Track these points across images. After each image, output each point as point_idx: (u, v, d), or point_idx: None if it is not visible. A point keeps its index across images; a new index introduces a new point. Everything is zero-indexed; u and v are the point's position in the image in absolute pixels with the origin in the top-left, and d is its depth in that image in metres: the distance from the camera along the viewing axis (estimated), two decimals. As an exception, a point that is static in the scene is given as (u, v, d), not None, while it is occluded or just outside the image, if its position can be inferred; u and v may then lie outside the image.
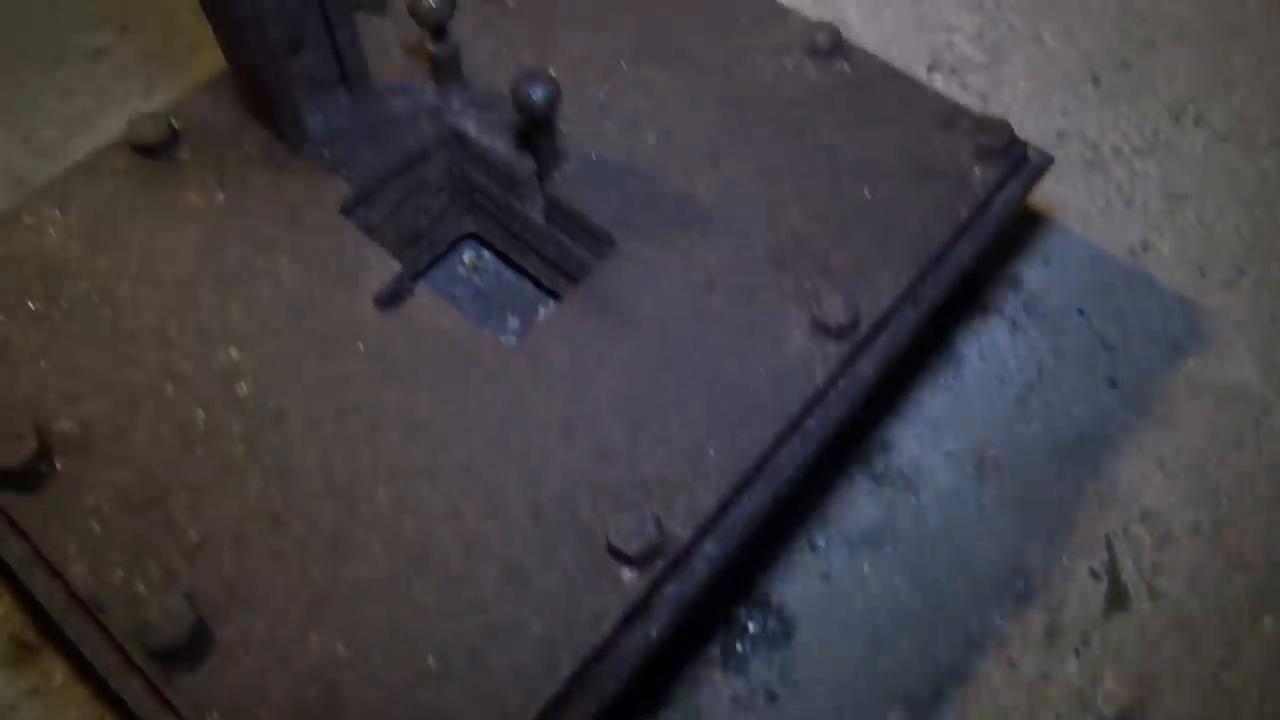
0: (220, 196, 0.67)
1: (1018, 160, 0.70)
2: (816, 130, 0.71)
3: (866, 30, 0.95)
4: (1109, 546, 0.71)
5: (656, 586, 0.55)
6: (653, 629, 0.54)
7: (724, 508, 0.57)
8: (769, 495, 0.59)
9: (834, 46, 0.73)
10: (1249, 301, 0.80)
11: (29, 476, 0.57)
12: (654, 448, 0.58)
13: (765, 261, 0.65)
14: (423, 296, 0.64)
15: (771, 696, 0.65)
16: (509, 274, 0.81)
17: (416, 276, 0.78)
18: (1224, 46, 0.93)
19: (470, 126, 0.70)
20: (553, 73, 0.73)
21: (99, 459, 0.58)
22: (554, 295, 0.78)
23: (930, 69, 0.92)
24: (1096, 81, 0.92)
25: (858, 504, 0.72)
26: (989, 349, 0.79)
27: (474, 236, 0.81)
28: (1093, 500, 0.73)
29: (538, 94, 0.62)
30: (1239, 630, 0.67)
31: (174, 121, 0.70)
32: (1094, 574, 0.70)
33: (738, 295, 0.64)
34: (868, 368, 0.63)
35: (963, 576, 0.70)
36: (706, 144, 0.70)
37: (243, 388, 0.60)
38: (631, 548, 0.54)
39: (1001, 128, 0.69)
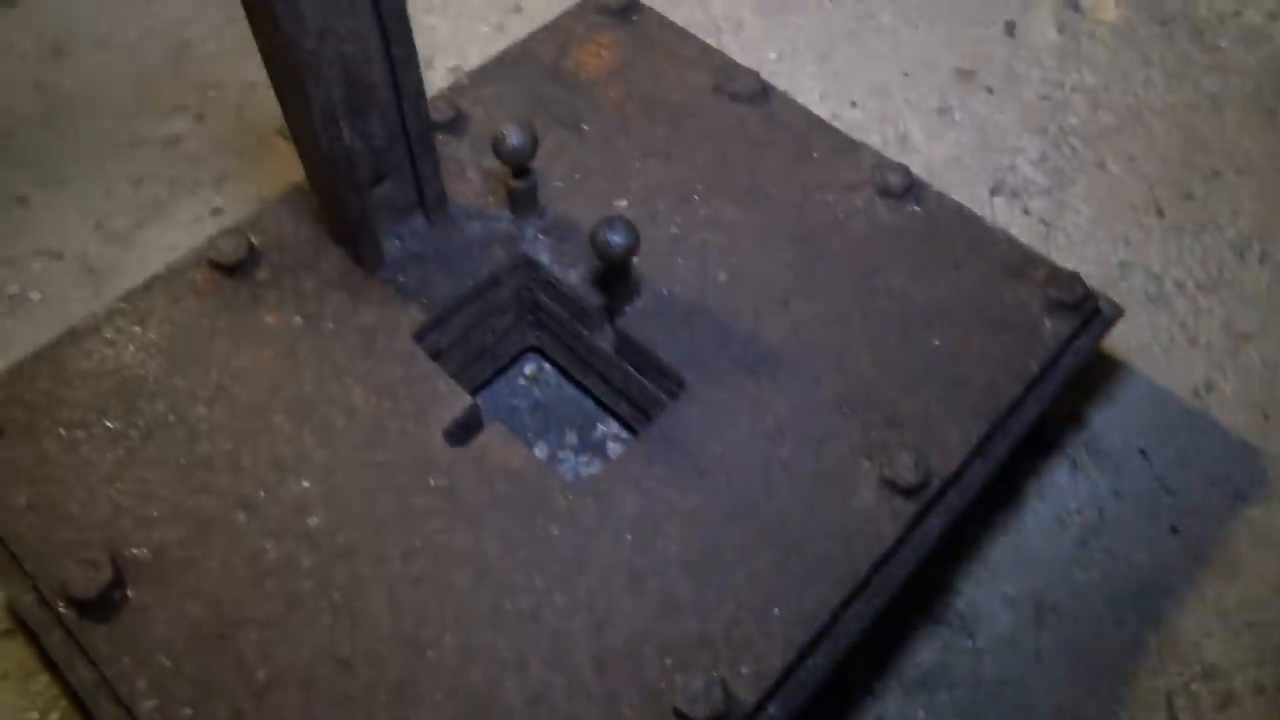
0: (297, 319, 0.68)
1: (1089, 315, 0.70)
2: (887, 274, 0.71)
3: (930, 149, 0.95)
4: (1169, 704, 0.70)
5: (722, 752, 0.55)
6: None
7: (789, 670, 0.57)
8: (835, 657, 0.59)
9: (906, 187, 0.74)
10: (1311, 448, 0.80)
11: (103, 605, 0.57)
12: (720, 603, 0.58)
13: (833, 409, 0.65)
14: (493, 433, 0.64)
15: None
16: (568, 388, 0.82)
17: (479, 389, 0.79)
18: (1288, 180, 0.93)
19: (544, 255, 0.71)
20: (625, 203, 0.75)
21: (171, 588, 0.58)
22: (613, 414, 0.79)
23: (993, 191, 0.93)
24: (1160, 213, 0.92)
25: (914, 646, 0.72)
26: (1049, 488, 0.78)
27: (535, 349, 0.82)
28: (1153, 653, 0.72)
29: (617, 241, 0.63)
30: (1302, 801, 0.66)
31: (253, 239, 0.71)
32: (1154, 732, 0.69)
33: (806, 445, 0.64)
34: (936, 524, 0.63)
35: (1023, 726, 0.69)
36: (777, 283, 0.70)
37: (314, 520, 0.61)
38: (698, 713, 0.54)
39: (1074, 282, 0.69)
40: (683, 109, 0.80)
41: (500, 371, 0.82)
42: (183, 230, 0.91)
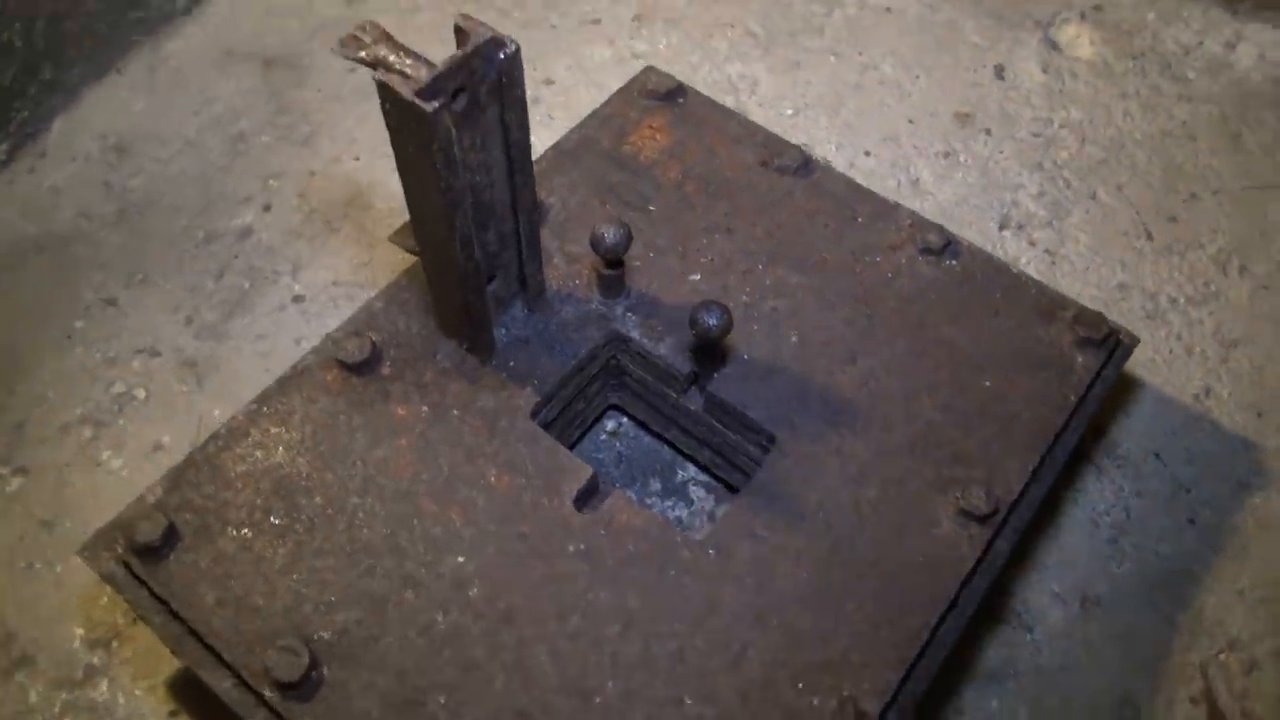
0: (424, 409, 0.76)
1: (1113, 347, 0.80)
2: (935, 325, 0.81)
3: (940, 190, 1.06)
4: (1204, 675, 0.81)
5: (856, 762, 0.64)
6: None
7: (902, 683, 0.67)
8: (935, 667, 0.69)
9: (944, 245, 0.84)
10: (1301, 440, 0.92)
11: (304, 686, 0.65)
12: (836, 631, 0.68)
13: (907, 452, 0.75)
14: (617, 498, 0.73)
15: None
16: (646, 439, 0.91)
17: (571, 446, 0.87)
18: (1258, 199, 1.05)
19: (634, 331, 0.80)
20: (698, 276, 0.84)
21: (359, 665, 0.67)
22: (693, 461, 0.88)
23: (1001, 226, 1.03)
24: (1149, 236, 1.03)
25: (981, 645, 0.82)
26: (1080, 495, 0.89)
27: (615, 407, 0.91)
28: (1185, 631, 0.83)
29: (713, 324, 0.72)
30: (1321, 748, 0.78)
31: (373, 337, 0.79)
32: (1193, 701, 0.80)
33: (889, 485, 0.74)
34: (1004, 545, 0.73)
35: (1078, 708, 0.80)
36: (842, 341, 0.80)
37: (474, 591, 0.69)
38: (836, 730, 0.64)
39: (1098, 320, 0.80)
40: (736, 185, 0.89)
41: (585, 431, 0.90)
42: (269, 319, 0.98)
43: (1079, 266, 1.01)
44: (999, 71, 1.14)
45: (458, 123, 0.62)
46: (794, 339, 0.80)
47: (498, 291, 0.77)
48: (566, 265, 0.84)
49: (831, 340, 0.80)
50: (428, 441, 0.75)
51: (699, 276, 0.84)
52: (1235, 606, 0.84)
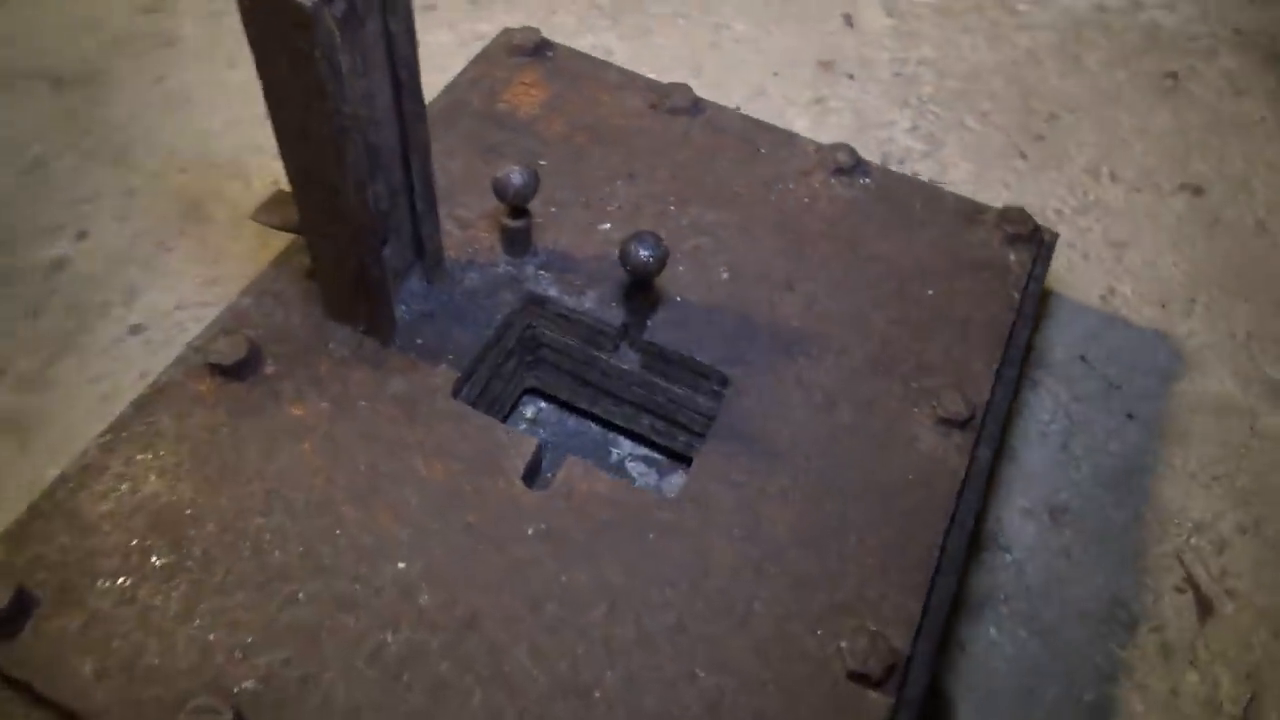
0: (324, 406, 0.65)
1: (1040, 242, 0.78)
2: (865, 243, 0.77)
3: (818, 135, 1.03)
4: (1180, 562, 0.79)
5: (898, 701, 0.57)
6: (902, 744, 0.57)
7: (924, 611, 0.60)
8: (950, 588, 0.63)
9: (855, 164, 0.80)
10: (1206, 325, 0.93)
11: (234, 750, 0.52)
12: (843, 569, 0.61)
13: (869, 371, 0.70)
14: (572, 466, 0.64)
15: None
16: (571, 421, 0.81)
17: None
18: (1110, 112, 1.08)
19: (551, 290, 0.71)
20: (609, 226, 0.76)
21: (299, 712, 0.54)
22: (629, 433, 0.79)
23: (883, 162, 1.02)
24: (1024, 156, 1.04)
25: (964, 575, 0.77)
26: (1022, 408, 0.87)
27: (531, 391, 0.81)
28: (1152, 524, 0.81)
29: (648, 253, 0.64)
30: (1305, 611, 0.77)
31: (249, 334, 0.66)
32: (1178, 589, 0.78)
33: (860, 408, 0.68)
34: (986, 452, 0.68)
35: (1074, 618, 0.76)
36: (775, 270, 0.74)
37: (424, 599, 0.58)
38: (873, 669, 0.56)
39: (1023, 215, 0.78)
40: (628, 130, 0.82)
41: (504, 419, 0.80)
42: (104, 357, 0.82)
43: (965, 192, 0.99)
44: (848, 20, 1.14)
45: (339, 31, 0.52)
46: (725, 274, 0.74)
47: (392, 261, 0.67)
48: (461, 231, 0.74)
49: (764, 271, 0.74)
50: (335, 441, 0.63)
51: (609, 225, 0.76)
52: (1191, 490, 0.83)
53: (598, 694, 0.56)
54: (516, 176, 0.66)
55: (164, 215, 0.90)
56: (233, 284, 0.86)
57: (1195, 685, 0.73)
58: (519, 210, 0.69)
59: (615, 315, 0.71)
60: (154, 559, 0.58)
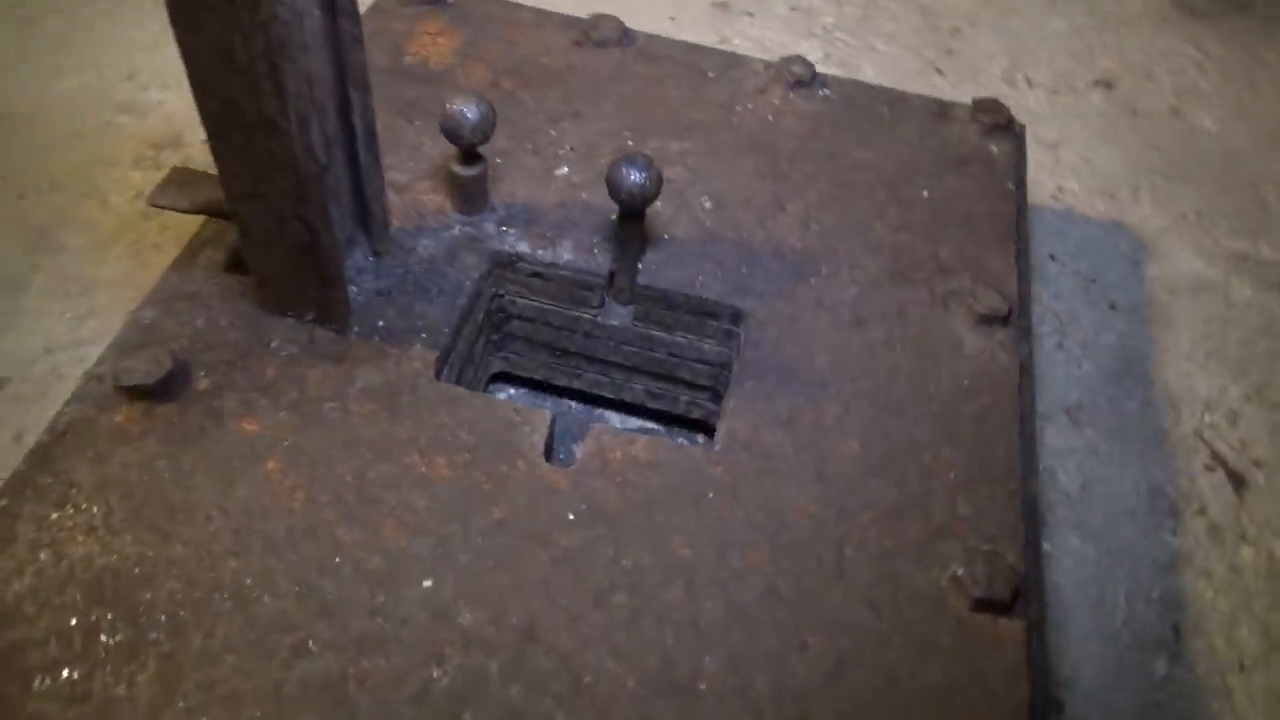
0: (281, 415, 0.52)
1: (1016, 130, 0.74)
2: (845, 152, 0.70)
3: (734, 75, 0.97)
4: (1202, 440, 0.76)
5: (1030, 624, 0.50)
6: (1040, 678, 0.49)
7: (1024, 517, 0.54)
8: (1035, 492, 0.56)
9: (812, 75, 0.74)
10: (1156, 209, 0.92)
11: None
12: (928, 490, 0.53)
13: (889, 280, 0.63)
14: (598, 433, 0.54)
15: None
16: (547, 404, 0.71)
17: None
18: (1008, 23, 1.07)
19: (521, 246, 0.61)
20: (566, 169, 0.67)
21: (342, 787, 0.42)
22: (619, 405, 0.70)
23: (807, 94, 0.96)
24: (940, 71, 1.00)
25: (1001, 492, 0.72)
26: (1009, 314, 0.82)
27: (499, 377, 0.70)
28: (1165, 407, 0.78)
29: (640, 177, 0.55)
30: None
31: (169, 347, 0.53)
32: (1208, 468, 0.75)
33: (891, 320, 0.61)
34: (1026, 348, 0.63)
35: (1120, 516, 0.72)
36: (760, 192, 0.67)
37: (465, 618, 0.47)
38: (999, 592, 0.49)
39: (996, 105, 0.73)
40: (558, 69, 0.73)
41: (474, 415, 0.69)
42: (-42, 424, 0.66)
43: (896, 111, 0.96)
44: (734, -41, 1.09)
45: (263, -84, 0.41)
46: (708, 204, 0.66)
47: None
48: (399, 196, 0.63)
49: (749, 195, 0.67)
50: (306, 453, 0.51)
51: (566, 169, 0.66)
52: (1190, 369, 0.81)
53: (702, 685, 0.46)
54: (471, 110, 0.56)
55: (7, 250, 0.75)
56: (111, 315, 0.72)
57: (1252, 559, 0.70)
58: (472, 155, 0.59)
59: (599, 263, 0.61)
60: (104, 637, 0.44)
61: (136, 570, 0.47)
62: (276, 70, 0.43)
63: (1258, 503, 0.73)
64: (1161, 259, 0.88)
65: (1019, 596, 0.49)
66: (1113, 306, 0.84)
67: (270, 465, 0.51)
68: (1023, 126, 0.77)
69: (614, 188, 0.56)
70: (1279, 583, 0.69)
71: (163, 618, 0.45)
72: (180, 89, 0.91)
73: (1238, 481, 0.74)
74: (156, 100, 0.90)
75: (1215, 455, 0.76)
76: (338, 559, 0.48)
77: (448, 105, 0.56)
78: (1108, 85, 1.02)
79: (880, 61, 1.01)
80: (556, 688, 0.45)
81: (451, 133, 0.56)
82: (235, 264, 0.58)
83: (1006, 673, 0.48)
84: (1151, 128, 0.99)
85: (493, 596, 0.47)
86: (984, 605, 0.49)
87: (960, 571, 0.50)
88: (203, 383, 0.53)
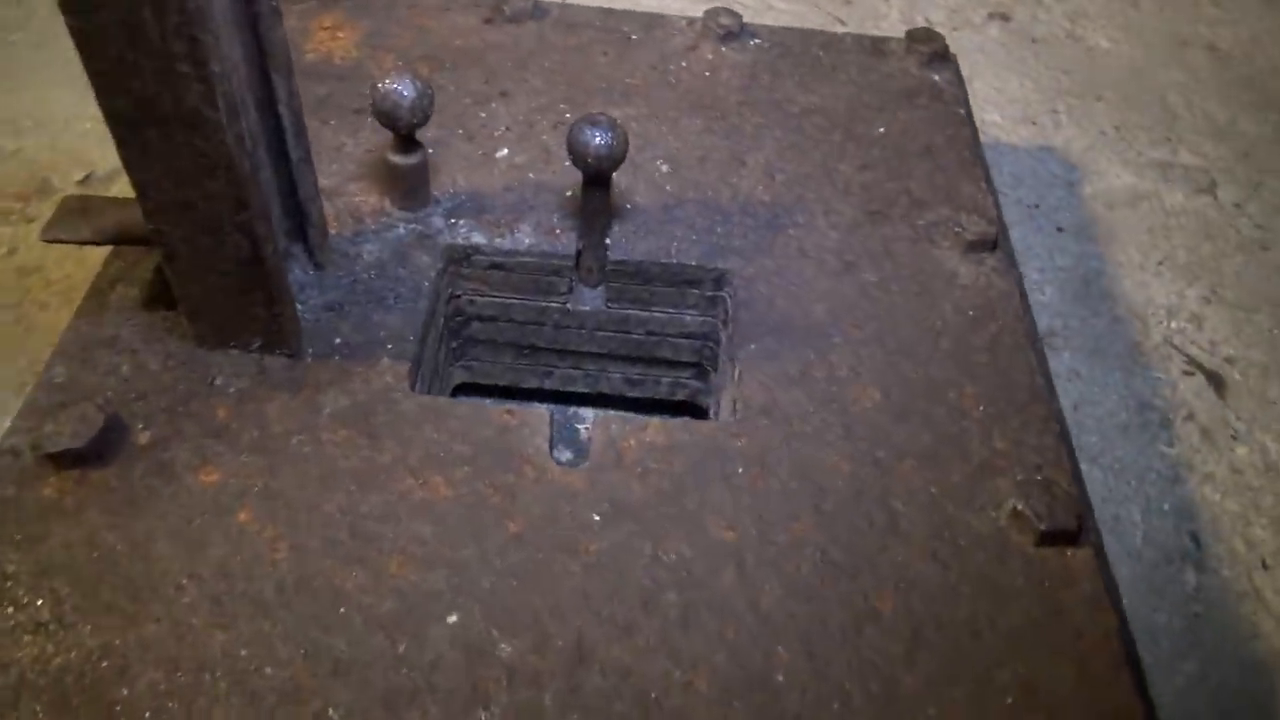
0: (244, 459, 0.45)
1: (952, 58, 0.72)
2: (789, 99, 0.67)
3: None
4: (1173, 346, 0.76)
5: (1096, 550, 0.47)
6: (1119, 599, 0.47)
7: (1062, 441, 0.51)
8: (1063, 414, 0.54)
9: (740, 26, 0.70)
10: (1077, 130, 0.92)
11: None
12: (961, 427, 0.50)
13: (870, 221, 0.60)
14: (603, 423, 0.49)
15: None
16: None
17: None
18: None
19: (476, 237, 0.55)
20: (506, 151, 0.61)
21: None
22: (592, 400, 0.65)
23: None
24: (842, 22, 0.99)
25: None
26: (964, 250, 0.81)
27: (461, 388, 0.64)
28: (1132, 320, 0.77)
29: (603, 140, 0.50)
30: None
31: (99, 403, 0.45)
32: (1186, 373, 0.74)
33: (880, 260, 0.57)
34: (1016, 271, 0.60)
35: (1115, 434, 0.70)
36: (714, 150, 0.63)
37: (503, 649, 0.41)
38: (1063, 523, 0.46)
39: (931, 33, 0.71)
40: (474, 49, 0.67)
41: (441, 435, 0.63)
42: None
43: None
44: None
45: None
46: (665, 167, 0.61)
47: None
48: (329, 202, 0.56)
49: (704, 153, 0.62)
50: (281, 497, 0.44)
51: (506, 150, 0.61)
52: (1145, 280, 0.80)
53: (780, 677, 0.41)
54: (407, 87, 0.50)
55: None
56: (1, 395, 0.63)
57: (1248, 457, 0.70)
58: (410, 141, 0.53)
59: (564, 244, 0.56)
60: (79, 751, 0.37)
61: (104, 664, 0.39)
62: (197, 47, 0.36)
63: (1240, 400, 0.73)
64: (1093, 177, 0.88)
65: (1084, 523, 0.47)
66: (1060, 229, 0.83)
67: (242, 517, 0.44)
68: (953, 54, 0.75)
69: (577, 153, 0.51)
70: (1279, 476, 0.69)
71: (147, 714, 0.38)
72: (39, 132, 0.82)
73: (1217, 382, 0.74)
74: (11, 149, 0.80)
75: (1191, 360, 0.75)
76: (342, 609, 0.41)
77: (380, 85, 0.49)
78: (1004, 17, 1.03)
79: (781, 18, 0.99)
80: (621, 709, 0.40)
81: (388, 115, 0.50)
82: (155, 298, 0.50)
83: (1087, 603, 0.45)
84: (1052, 53, 1.00)
85: (528, 620, 0.42)
86: (1050, 538, 0.46)
87: (1020, 506, 0.47)
88: (143, 437, 0.46)
